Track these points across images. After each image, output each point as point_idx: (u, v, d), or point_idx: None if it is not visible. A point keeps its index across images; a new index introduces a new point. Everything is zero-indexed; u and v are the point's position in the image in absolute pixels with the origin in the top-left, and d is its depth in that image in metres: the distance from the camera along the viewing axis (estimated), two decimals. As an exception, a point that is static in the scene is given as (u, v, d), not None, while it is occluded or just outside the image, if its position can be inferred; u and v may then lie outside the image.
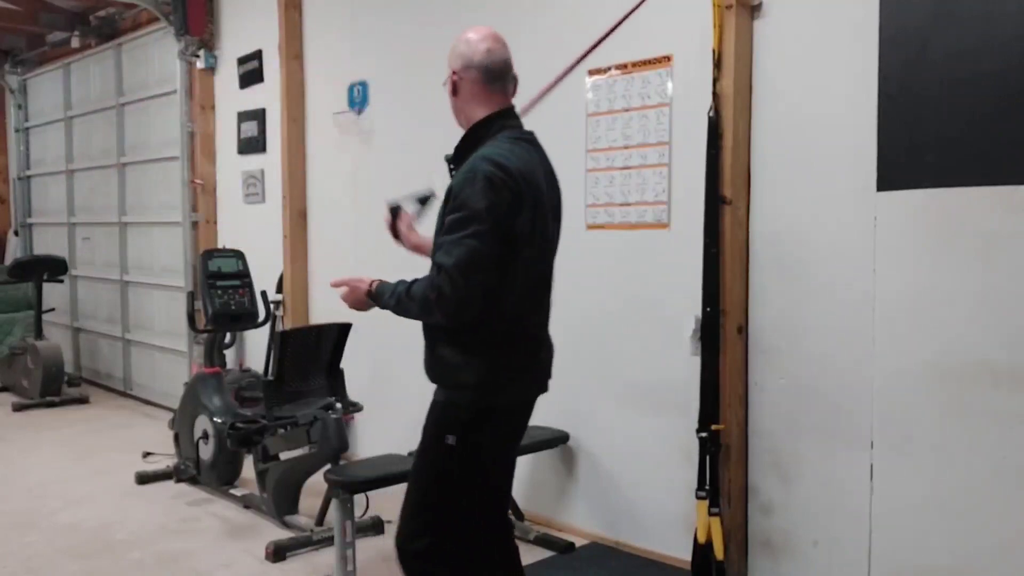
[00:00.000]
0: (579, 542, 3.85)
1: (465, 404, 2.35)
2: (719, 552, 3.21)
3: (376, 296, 2.42)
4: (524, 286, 2.36)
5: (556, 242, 2.52)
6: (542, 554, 3.74)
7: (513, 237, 2.27)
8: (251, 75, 5.84)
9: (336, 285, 2.52)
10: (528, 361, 2.46)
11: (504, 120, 2.43)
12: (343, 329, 4.28)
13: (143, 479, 4.82)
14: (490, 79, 2.42)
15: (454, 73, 2.45)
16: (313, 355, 4.26)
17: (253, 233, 5.78)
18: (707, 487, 3.25)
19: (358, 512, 3.58)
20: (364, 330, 4.58)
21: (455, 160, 2.46)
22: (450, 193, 2.31)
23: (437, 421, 2.40)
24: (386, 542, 3.95)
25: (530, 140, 2.46)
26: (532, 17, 3.98)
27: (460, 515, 2.41)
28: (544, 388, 2.54)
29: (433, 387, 2.43)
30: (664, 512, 3.60)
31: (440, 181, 4.40)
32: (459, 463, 2.36)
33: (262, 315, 4.80)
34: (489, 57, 2.42)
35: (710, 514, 3.24)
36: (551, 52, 3.71)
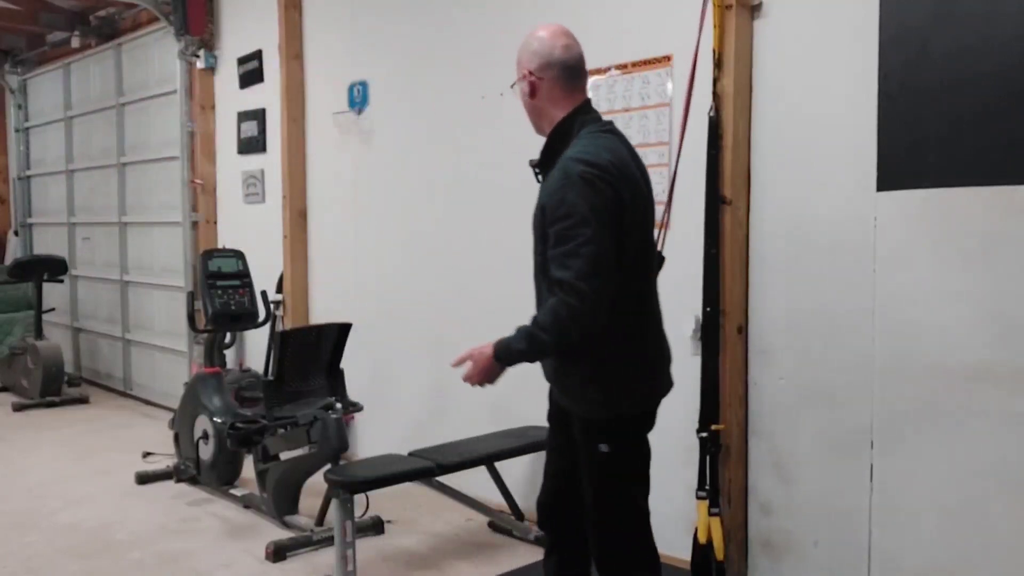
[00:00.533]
0: (579, 542, 3.84)
1: (607, 418, 2.36)
2: (719, 552, 3.21)
3: (503, 352, 2.27)
4: (638, 279, 2.32)
5: (653, 229, 2.50)
6: (542, 554, 3.73)
7: (621, 231, 2.23)
8: (251, 75, 5.84)
9: (458, 363, 2.37)
10: (653, 355, 2.44)
11: (582, 116, 2.37)
12: (343, 329, 4.28)
13: (143, 479, 4.82)
14: (570, 76, 2.37)
15: (530, 74, 2.38)
16: (313, 355, 4.26)
17: (253, 233, 5.77)
18: (707, 487, 3.25)
19: (358, 512, 3.58)
20: (364, 330, 4.59)
21: (541, 165, 2.40)
22: (545, 202, 2.26)
23: (586, 436, 2.40)
24: (386, 542, 3.96)
25: (612, 130, 2.41)
26: (532, 17, 3.94)
27: (633, 511, 2.46)
28: (669, 380, 2.51)
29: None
30: (664, 512, 3.57)
31: (440, 183, 4.42)
32: (618, 467, 2.38)
33: (262, 315, 4.80)
34: (567, 53, 2.37)
35: (710, 514, 3.23)
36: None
